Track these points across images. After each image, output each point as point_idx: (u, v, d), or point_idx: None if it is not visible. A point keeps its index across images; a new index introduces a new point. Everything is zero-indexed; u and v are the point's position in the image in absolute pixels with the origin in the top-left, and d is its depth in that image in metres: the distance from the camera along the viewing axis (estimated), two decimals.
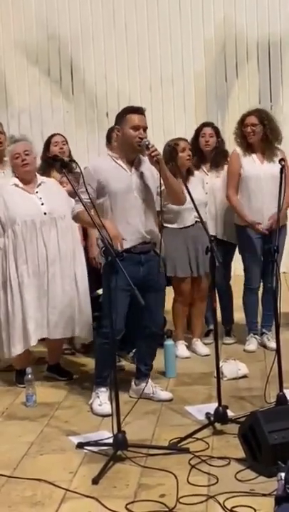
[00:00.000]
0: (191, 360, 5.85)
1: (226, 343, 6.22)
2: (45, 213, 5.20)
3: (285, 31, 9.39)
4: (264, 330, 6.10)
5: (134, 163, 4.72)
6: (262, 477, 3.63)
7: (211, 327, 6.14)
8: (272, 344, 5.54)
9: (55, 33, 9.64)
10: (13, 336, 5.17)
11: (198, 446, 4.08)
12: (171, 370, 5.45)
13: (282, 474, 3.16)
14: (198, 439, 4.18)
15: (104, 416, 4.59)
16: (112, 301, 4.12)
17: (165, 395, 4.96)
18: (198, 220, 5.63)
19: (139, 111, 4.66)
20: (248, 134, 5.86)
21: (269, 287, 5.73)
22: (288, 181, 4.85)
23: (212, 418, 4.38)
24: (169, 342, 5.49)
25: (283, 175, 4.86)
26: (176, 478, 3.65)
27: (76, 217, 4.74)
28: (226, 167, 6.07)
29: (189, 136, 6.26)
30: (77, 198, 4.50)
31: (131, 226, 4.64)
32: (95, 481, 3.73)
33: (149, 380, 4.84)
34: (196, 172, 5.95)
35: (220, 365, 4.64)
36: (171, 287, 5.87)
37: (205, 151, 6.14)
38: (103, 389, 4.75)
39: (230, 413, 4.42)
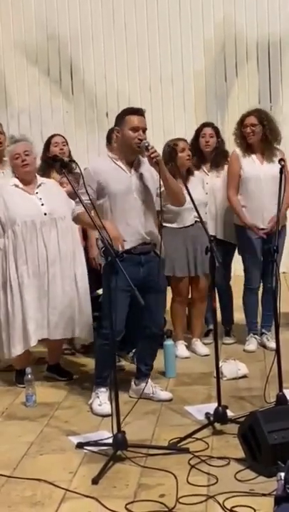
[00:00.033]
0: (190, 360, 5.85)
1: (226, 343, 6.22)
2: (45, 214, 5.20)
3: (285, 31, 9.39)
4: (264, 330, 6.10)
5: (133, 164, 4.72)
6: (261, 477, 3.63)
7: (211, 327, 6.14)
8: (272, 344, 5.54)
9: (55, 33, 9.64)
10: (13, 337, 5.17)
11: (198, 446, 4.08)
12: (170, 370, 5.45)
13: (282, 474, 3.16)
14: (197, 439, 4.18)
15: (104, 416, 4.59)
16: (112, 301, 4.13)
17: (165, 395, 4.96)
18: (198, 220, 5.64)
19: (139, 112, 4.66)
20: (248, 135, 5.86)
21: (269, 287, 5.73)
22: (288, 181, 4.86)
23: (212, 418, 4.38)
24: (168, 342, 5.50)
25: (283, 175, 4.87)
26: (175, 478, 3.65)
27: (76, 219, 4.74)
28: (226, 167, 6.07)
29: (189, 136, 6.27)
30: (77, 200, 4.50)
31: (131, 227, 4.65)
32: (95, 481, 3.73)
33: (149, 380, 4.84)
34: (196, 172, 5.96)
35: (220, 365, 4.65)
36: (169, 287, 5.87)
37: (205, 151, 6.14)
38: (103, 389, 4.75)
39: (229, 413, 4.42)
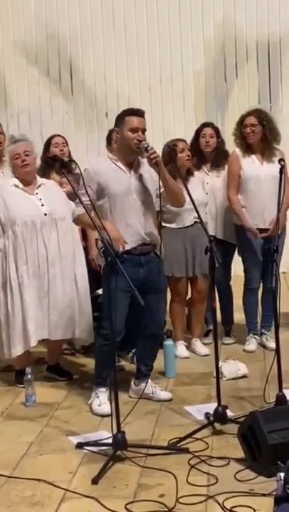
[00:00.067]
0: (190, 360, 5.85)
1: (226, 343, 6.22)
2: (45, 214, 5.19)
3: (285, 31, 9.39)
4: (263, 330, 6.10)
5: (133, 165, 4.72)
6: (261, 477, 3.63)
7: (211, 327, 6.14)
8: (272, 344, 5.53)
9: (55, 33, 9.64)
10: (13, 337, 5.17)
11: (198, 446, 4.08)
12: (170, 370, 5.45)
13: (282, 474, 3.16)
14: (197, 439, 4.18)
15: (103, 416, 4.59)
16: (112, 302, 4.12)
17: (164, 395, 4.96)
18: (198, 220, 5.64)
19: (138, 113, 4.66)
20: (248, 135, 5.86)
21: (269, 287, 5.73)
22: (288, 181, 4.86)
23: (211, 418, 4.38)
24: (168, 342, 5.50)
25: (283, 175, 4.87)
26: (175, 478, 3.65)
27: (77, 220, 4.74)
28: (226, 167, 6.07)
29: (188, 136, 6.27)
30: (77, 200, 4.50)
31: (130, 228, 4.65)
32: (95, 481, 3.73)
33: (149, 380, 4.84)
34: (196, 172, 5.96)
35: (219, 365, 4.65)
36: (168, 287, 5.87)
37: (205, 151, 6.14)
38: (103, 389, 4.75)
39: (229, 413, 4.42)
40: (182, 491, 3.55)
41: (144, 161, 4.69)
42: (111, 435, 4.02)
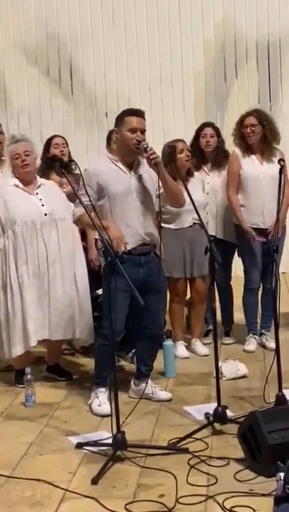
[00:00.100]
0: (190, 360, 5.85)
1: (226, 343, 6.22)
2: (45, 214, 5.19)
3: (285, 31, 9.39)
4: (263, 330, 6.10)
5: (133, 165, 4.72)
6: (261, 477, 3.63)
7: (211, 327, 6.14)
8: (272, 344, 5.53)
9: (55, 33, 9.64)
10: (13, 337, 5.16)
11: (198, 446, 4.08)
12: (170, 370, 5.45)
13: (282, 474, 3.16)
14: (197, 439, 4.17)
15: (103, 416, 4.59)
16: (112, 302, 4.13)
17: (164, 395, 4.96)
18: (196, 221, 5.64)
19: (138, 113, 4.66)
20: (248, 135, 5.86)
21: (268, 288, 5.73)
22: (287, 181, 4.86)
23: (211, 418, 4.38)
24: (168, 342, 5.50)
25: (282, 175, 4.87)
26: (175, 478, 3.65)
27: (78, 221, 4.73)
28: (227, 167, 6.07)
29: (188, 136, 6.27)
30: (77, 201, 4.50)
31: (130, 228, 4.65)
32: (95, 481, 3.73)
33: (149, 380, 4.84)
34: (195, 173, 5.95)
35: (219, 365, 4.65)
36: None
37: (206, 151, 6.13)
38: (102, 389, 4.75)
39: (229, 413, 4.42)
40: (182, 491, 3.54)
41: (144, 162, 4.69)
42: (111, 435, 4.02)
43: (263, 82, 9.51)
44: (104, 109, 9.59)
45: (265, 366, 5.34)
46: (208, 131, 6.15)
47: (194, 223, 5.72)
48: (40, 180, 5.39)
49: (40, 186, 5.30)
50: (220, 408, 4.36)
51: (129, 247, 4.62)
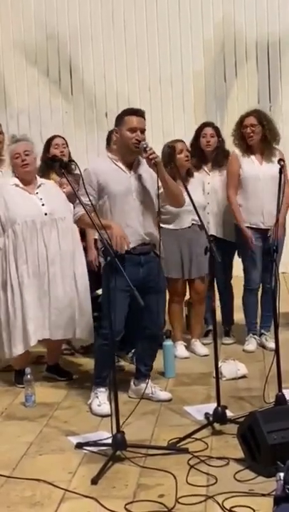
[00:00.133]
0: (190, 360, 5.85)
1: (225, 343, 6.22)
2: (45, 214, 5.20)
3: (284, 31, 9.39)
4: (263, 331, 6.10)
5: (133, 165, 4.72)
6: (261, 477, 3.63)
7: (211, 327, 6.14)
8: (271, 344, 5.53)
9: (54, 33, 9.64)
10: (14, 336, 5.16)
11: (197, 446, 4.08)
12: (170, 370, 5.45)
13: (281, 474, 3.15)
14: (197, 439, 4.17)
15: (103, 416, 4.59)
16: (112, 302, 4.13)
17: (164, 395, 4.96)
18: (195, 222, 5.65)
19: (138, 113, 4.66)
20: (248, 135, 5.86)
21: (268, 288, 5.73)
22: (287, 181, 4.86)
23: (211, 418, 4.38)
24: (168, 342, 5.50)
25: (282, 175, 4.87)
26: (175, 478, 3.65)
27: (79, 221, 4.73)
28: None
29: (188, 136, 6.26)
30: (78, 201, 4.49)
31: (130, 228, 4.65)
32: (94, 481, 3.73)
33: (148, 381, 4.84)
34: (195, 174, 5.95)
35: (219, 366, 4.66)
36: None
37: (206, 151, 6.13)
38: (102, 389, 4.75)
39: (229, 413, 4.42)
40: (182, 491, 3.55)
41: (144, 161, 4.69)
42: (110, 435, 4.02)
43: (262, 82, 9.52)
44: (103, 109, 9.60)
45: (265, 366, 5.34)
46: (209, 130, 6.14)
47: (193, 224, 5.72)
48: (40, 180, 5.39)
49: (40, 186, 5.31)
50: (220, 408, 4.36)
51: (129, 247, 4.62)
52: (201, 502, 3.46)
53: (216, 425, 4.34)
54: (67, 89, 9.78)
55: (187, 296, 6.15)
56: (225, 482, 3.63)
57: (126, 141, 4.62)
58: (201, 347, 5.99)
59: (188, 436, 4.20)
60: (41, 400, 5.01)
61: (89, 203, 4.44)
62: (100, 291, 5.28)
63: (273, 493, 3.25)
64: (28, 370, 4.99)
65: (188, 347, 6.01)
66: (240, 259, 6.15)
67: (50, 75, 9.77)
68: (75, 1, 9.61)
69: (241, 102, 9.22)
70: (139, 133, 4.59)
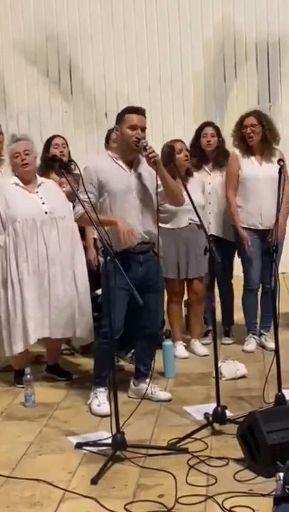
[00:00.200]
0: (189, 360, 5.85)
1: (225, 344, 6.22)
2: (46, 212, 5.20)
3: (284, 31, 9.40)
4: (262, 331, 6.10)
5: (133, 163, 4.73)
6: (260, 477, 3.63)
7: (210, 327, 6.13)
8: (271, 344, 5.53)
9: (54, 33, 9.64)
10: (14, 334, 5.16)
11: (197, 446, 4.08)
12: (170, 371, 5.45)
13: (281, 474, 3.15)
14: (196, 439, 4.17)
15: (102, 416, 4.59)
16: (111, 300, 4.13)
17: (164, 395, 4.96)
18: (193, 221, 5.65)
19: (139, 111, 4.67)
20: (248, 135, 5.86)
21: (268, 288, 5.73)
22: (287, 181, 4.86)
23: (211, 418, 4.38)
24: (167, 342, 5.50)
25: (282, 175, 4.87)
26: (174, 478, 3.65)
27: (80, 219, 4.72)
28: None
29: (188, 136, 6.26)
30: (78, 200, 4.49)
31: (129, 226, 4.64)
32: (94, 481, 3.73)
33: (148, 381, 4.84)
34: (195, 174, 5.95)
35: (219, 366, 4.65)
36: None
37: (207, 150, 6.13)
38: (102, 389, 4.75)
39: (228, 413, 4.42)
40: (181, 491, 3.54)
41: (144, 160, 4.69)
42: (110, 435, 4.02)
43: (262, 83, 9.52)
44: (103, 109, 9.60)
45: (265, 366, 5.34)
46: (209, 130, 6.14)
47: (190, 223, 5.72)
48: (40, 179, 5.39)
49: (40, 185, 5.31)
50: (219, 408, 4.36)
51: (128, 246, 4.62)
52: (200, 502, 3.46)
53: (216, 425, 4.34)
54: (67, 90, 9.78)
55: (186, 297, 6.15)
56: (225, 482, 3.63)
57: (126, 139, 4.62)
58: (200, 347, 5.99)
59: (188, 436, 4.20)
60: (41, 400, 5.01)
61: (89, 200, 4.44)
62: (99, 291, 5.28)
63: (273, 493, 3.25)
64: (27, 370, 4.99)
65: (187, 347, 6.01)
66: (240, 260, 6.14)
67: (50, 75, 9.77)
68: (74, 1, 9.61)
69: (241, 103, 9.23)
70: (140, 131, 4.59)
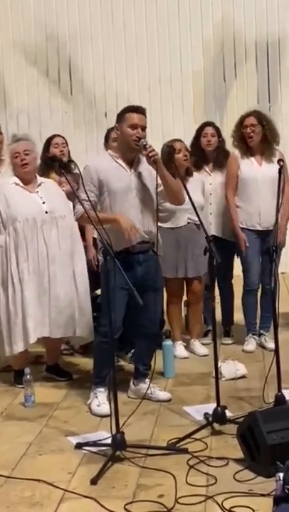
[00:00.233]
0: (189, 360, 5.85)
1: (225, 344, 6.22)
2: (46, 212, 5.20)
3: (284, 31, 9.40)
4: (262, 331, 6.10)
5: (133, 162, 4.73)
6: (260, 477, 3.63)
7: (210, 327, 6.13)
8: (271, 345, 5.53)
9: (54, 33, 9.64)
10: (14, 334, 5.16)
11: (197, 446, 4.08)
12: (169, 371, 5.45)
13: (281, 474, 3.15)
14: (196, 439, 4.17)
15: (102, 416, 4.59)
16: (111, 300, 4.13)
17: (164, 395, 4.96)
18: (191, 221, 5.65)
19: (139, 110, 4.67)
20: (248, 135, 5.86)
21: (268, 288, 5.73)
22: (287, 181, 4.86)
23: (210, 418, 4.37)
24: (167, 342, 5.50)
25: (281, 175, 4.87)
26: (174, 478, 3.65)
27: (81, 218, 4.72)
28: None
29: (187, 136, 6.26)
30: (81, 198, 4.49)
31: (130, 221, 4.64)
32: (94, 482, 3.72)
33: (147, 381, 4.84)
34: (195, 174, 5.95)
35: (218, 366, 4.65)
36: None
37: (207, 150, 6.13)
38: (101, 389, 4.75)
39: (228, 413, 4.42)
40: (181, 491, 3.54)
41: (144, 159, 4.68)
42: (110, 435, 4.02)
43: (262, 82, 9.52)
44: (103, 109, 9.60)
45: (265, 366, 5.34)
46: (209, 130, 6.14)
47: (189, 223, 5.71)
48: (40, 178, 5.40)
49: (40, 185, 5.32)
50: (219, 408, 4.36)
51: (127, 245, 4.62)
52: (200, 502, 3.45)
53: (216, 425, 4.34)
54: (67, 90, 9.78)
55: (185, 297, 6.15)
56: (224, 482, 3.63)
57: (126, 138, 4.62)
58: (200, 347, 5.99)
59: (188, 436, 4.20)
60: (41, 400, 5.01)
61: (92, 199, 4.44)
62: (99, 292, 5.28)
63: (273, 493, 3.25)
64: (27, 370, 4.99)
65: (187, 347, 6.01)
66: (240, 260, 6.14)
67: (50, 75, 9.77)
68: (74, 1, 9.61)
69: (241, 102, 9.23)
70: (140, 130, 4.59)
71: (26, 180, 5.27)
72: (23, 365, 5.21)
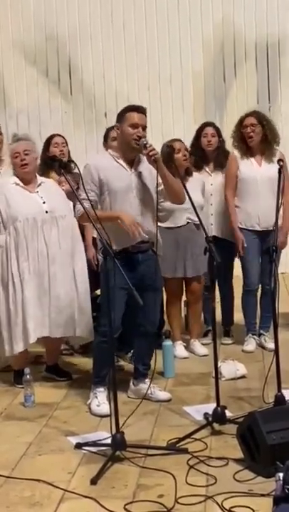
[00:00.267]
0: (189, 360, 5.85)
1: (225, 344, 6.22)
2: (46, 212, 5.20)
3: (284, 31, 9.41)
4: (262, 331, 6.10)
5: (134, 162, 4.73)
6: (260, 477, 3.63)
7: (210, 327, 6.14)
8: (270, 345, 5.53)
9: (53, 34, 9.64)
10: (14, 334, 5.16)
11: (197, 446, 4.08)
12: (169, 371, 5.45)
13: (281, 474, 3.15)
14: (196, 439, 4.17)
15: (102, 416, 4.59)
16: (111, 300, 4.13)
17: (163, 395, 4.96)
18: (190, 221, 5.65)
19: (140, 109, 4.67)
20: (248, 135, 5.86)
21: (267, 289, 5.73)
22: (286, 181, 4.86)
23: (210, 418, 4.37)
24: (167, 342, 5.50)
25: (281, 175, 4.87)
26: (174, 478, 3.65)
27: (82, 217, 4.71)
28: None
29: (187, 136, 6.26)
30: (81, 197, 4.48)
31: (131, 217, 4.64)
32: (94, 482, 3.72)
33: (148, 380, 4.83)
34: (195, 174, 5.94)
35: (218, 366, 4.65)
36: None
37: (207, 150, 6.13)
38: (101, 389, 4.75)
39: (228, 413, 4.42)
40: (181, 491, 3.54)
41: (144, 159, 4.68)
42: (110, 435, 4.02)
43: (261, 83, 9.52)
44: (103, 109, 9.60)
45: (264, 366, 5.34)
46: (209, 130, 6.14)
47: (188, 222, 5.71)
48: (40, 178, 5.40)
49: (40, 185, 5.31)
50: (219, 408, 4.36)
51: (131, 244, 4.62)
52: (200, 502, 3.45)
53: (216, 425, 4.33)
54: (67, 89, 9.78)
55: (185, 297, 6.15)
56: (224, 482, 3.62)
57: (127, 137, 4.62)
58: (200, 347, 5.99)
59: (188, 436, 4.20)
60: (40, 400, 5.01)
61: (93, 198, 4.43)
62: (99, 292, 5.28)
63: (273, 493, 3.25)
64: (27, 370, 4.99)
65: (187, 347, 6.01)
66: (239, 260, 6.14)
67: (50, 75, 9.77)
68: (74, 1, 9.62)
69: (240, 103, 9.23)
70: (141, 129, 4.59)
71: (26, 180, 5.27)
72: (23, 365, 5.21)
